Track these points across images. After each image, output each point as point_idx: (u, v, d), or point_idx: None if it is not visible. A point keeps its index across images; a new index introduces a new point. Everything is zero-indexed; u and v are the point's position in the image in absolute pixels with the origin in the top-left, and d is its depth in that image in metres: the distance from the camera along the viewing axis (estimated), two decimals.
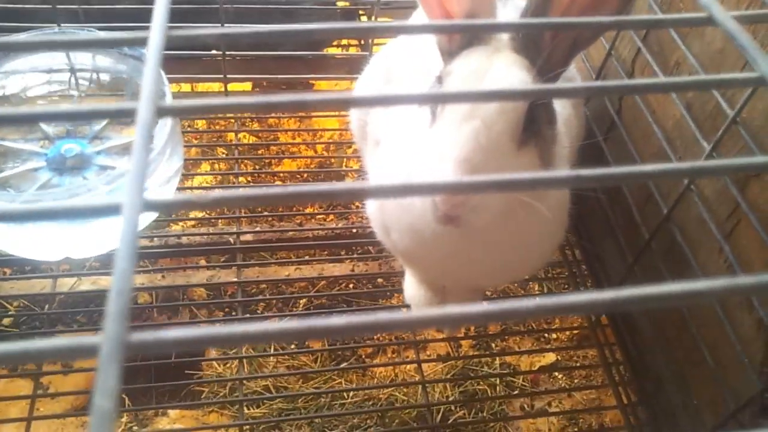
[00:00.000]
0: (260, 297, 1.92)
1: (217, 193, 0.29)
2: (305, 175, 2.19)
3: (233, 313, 1.85)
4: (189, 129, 2.08)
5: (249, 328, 0.25)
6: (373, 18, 1.95)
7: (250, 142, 2.21)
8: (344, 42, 2.34)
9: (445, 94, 0.37)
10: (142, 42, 0.35)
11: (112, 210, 0.27)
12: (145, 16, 0.41)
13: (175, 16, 1.40)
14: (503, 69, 0.93)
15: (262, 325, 0.25)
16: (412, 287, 1.41)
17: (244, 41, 0.32)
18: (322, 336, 0.25)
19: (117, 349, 0.23)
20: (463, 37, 0.99)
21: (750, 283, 0.26)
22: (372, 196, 0.31)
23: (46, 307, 1.76)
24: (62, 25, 1.67)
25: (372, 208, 1.21)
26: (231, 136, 2.17)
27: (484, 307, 0.25)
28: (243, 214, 2.00)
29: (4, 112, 0.31)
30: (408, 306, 1.47)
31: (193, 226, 1.99)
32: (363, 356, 1.86)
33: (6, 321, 1.79)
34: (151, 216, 1.56)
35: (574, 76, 1.37)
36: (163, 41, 0.34)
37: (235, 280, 1.76)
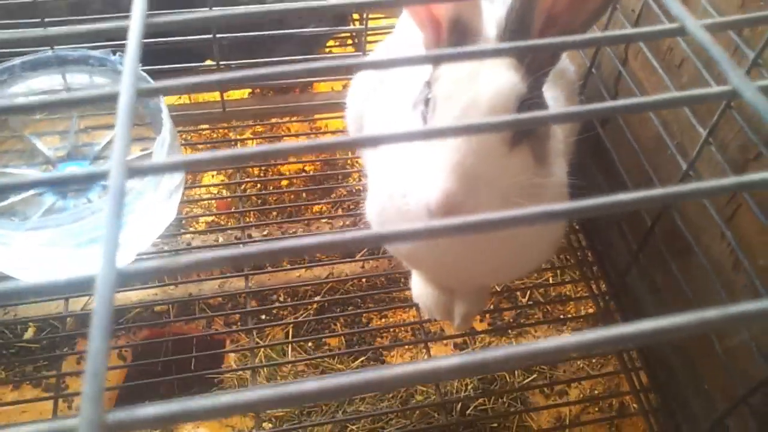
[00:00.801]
0: (273, 300, 1.94)
1: (189, 257, 0.30)
2: (310, 173, 2.21)
3: (247, 318, 1.86)
4: (189, 141, 2.09)
5: (224, 399, 0.25)
6: (364, 16, 1.95)
7: (254, 144, 2.21)
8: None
9: (434, 129, 0.37)
10: (113, 98, 0.36)
11: (85, 283, 0.28)
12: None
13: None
14: (492, 71, 0.93)
15: (237, 395, 0.25)
16: (419, 286, 1.42)
17: (212, 89, 0.32)
18: (298, 403, 0.25)
19: None
20: (450, 39, 0.99)
21: (715, 316, 0.27)
22: (342, 248, 0.31)
23: (62, 326, 1.78)
24: (56, 47, 1.68)
25: (372, 213, 1.22)
26: (234, 139, 2.18)
27: (455, 360, 0.25)
28: (252, 221, 2.02)
29: None
30: (416, 305, 1.47)
31: (202, 235, 2.00)
32: (381, 352, 1.87)
33: (27, 337, 1.81)
34: (161, 228, 1.57)
35: (566, 68, 1.36)
36: (133, 99, 0.34)
37: (246, 286, 1.78)
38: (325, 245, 0.31)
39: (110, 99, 0.37)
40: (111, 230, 0.29)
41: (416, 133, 0.36)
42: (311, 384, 0.25)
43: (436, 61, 0.95)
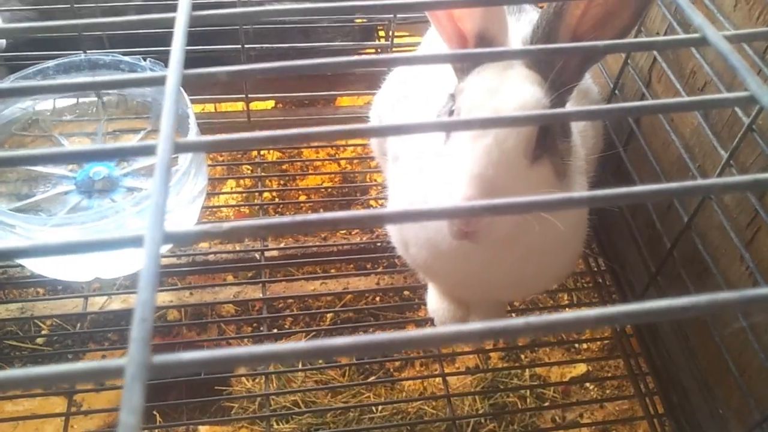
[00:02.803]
0: (287, 313, 1.95)
1: (231, 223, 0.32)
2: (329, 189, 2.23)
3: (261, 328, 1.88)
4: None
5: (262, 348, 0.27)
6: (390, 33, 1.98)
7: (275, 158, 2.24)
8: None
9: (454, 121, 0.39)
10: (161, 82, 0.38)
11: (134, 242, 0.30)
12: (167, 41, 0.44)
13: (197, 37, 1.43)
14: (516, 85, 0.95)
15: (269, 347, 0.27)
16: (435, 300, 1.43)
17: (253, 76, 0.34)
18: (329, 356, 0.27)
19: (141, 371, 0.25)
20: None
21: (733, 297, 0.28)
22: (374, 224, 0.32)
23: (78, 326, 1.81)
24: (87, 51, 1.72)
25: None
26: (254, 152, 2.21)
27: (476, 326, 0.27)
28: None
29: (40, 152, 0.34)
30: (432, 319, 1.48)
31: (220, 243, 2.02)
32: (391, 370, 1.87)
33: (39, 340, 1.83)
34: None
35: (589, 87, 1.38)
36: (179, 81, 0.36)
37: (261, 296, 1.79)
38: (349, 219, 0.33)
39: (158, 82, 0.39)
40: (159, 197, 0.31)
41: (440, 123, 0.37)
42: (343, 340, 0.27)
43: (465, 60, 0.96)
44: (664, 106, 0.39)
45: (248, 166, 2.22)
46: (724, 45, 0.42)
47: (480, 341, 0.25)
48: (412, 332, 0.27)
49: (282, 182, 2.28)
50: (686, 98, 0.39)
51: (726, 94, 0.39)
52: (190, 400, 1.71)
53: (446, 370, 1.76)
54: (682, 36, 0.44)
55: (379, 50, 2.29)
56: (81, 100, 1.75)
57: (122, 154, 0.36)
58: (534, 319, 0.27)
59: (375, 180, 2.11)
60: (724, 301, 0.28)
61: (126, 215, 1.36)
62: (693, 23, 0.44)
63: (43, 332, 1.85)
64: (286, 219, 0.31)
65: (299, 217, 0.31)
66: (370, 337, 0.27)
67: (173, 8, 0.46)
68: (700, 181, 0.35)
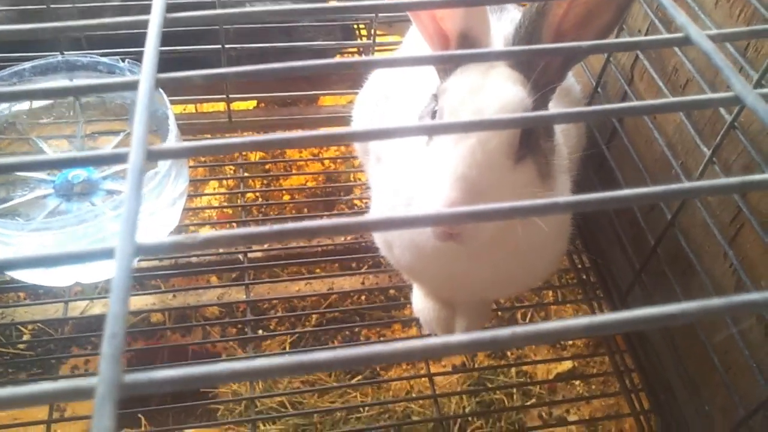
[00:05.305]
0: (272, 314, 1.93)
1: (207, 234, 0.31)
2: (313, 188, 2.22)
3: (245, 330, 1.86)
4: None
5: (236, 366, 0.26)
6: (372, 32, 1.97)
7: (258, 158, 2.22)
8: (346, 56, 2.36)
9: (437, 125, 0.38)
10: (134, 86, 0.36)
11: (105, 254, 0.29)
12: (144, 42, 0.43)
13: (176, 38, 1.41)
14: (498, 85, 0.94)
15: (248, 362, 0.26)
16: (420, 300, 1.42)
17: (229, 80, 0.33)
18: (310, 371, 0.26)
19: (111, 391, 0.24)
20: None
21: (721, 304, 0.27)
22: (355, 231, 0.32)
23: (60, 330, 1.78)
24: (65, 52, 1.70)
25: None
26: (237, 153, 2.19)
27: (463, 337, 0.26)
28: None
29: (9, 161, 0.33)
30: (417, 319, 1.47)
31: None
32: (378, 369, 1.86)
33: (21, 345, 1.81)
34: (163, 235, 1.58)
35: (571, 86, 1.37)
36: (152, 86, 0.35)
37: (245, 298, 1.78)
38: (329, 228, 0.32)
39: (131, 87, 0.38)
40: (130, 206, 0.30)
41: (424, 127, 0.36)
42: (324, 354, 0.26)
43: (447, 61, 0.96)
44: (649, 107, 0.38)
45: (231, 167, 2.20)
46: (708, 44, 0.42)
47: (467, 352, 0.24)
48: (397, 344, 0.26)
49: (265, 182, 2.26)
50: (671, 99, 0.39)
51: (711, 95, 0.39)
52: (176, 405, 1.69)
53: (433, 369, 1.76)
54: (666, 36, 0.44)
55: (361, 49, 2.28)
56: (58, 101, 1.73)
57: (94, 162, 0.35)
58: (520, 329, 0.27)
59: (359, 179, 2.10)
60: (714, 308, 0.27)
61: (105, 219, 1.34)
62: (676, 22, 0.44)
63: (25, 337, 1.82)
64: (264, 229, 0.30)
65: (277, 227, 0.30)
66: (353, 351, 0.26)
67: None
68: (687, 184, 0.34)
